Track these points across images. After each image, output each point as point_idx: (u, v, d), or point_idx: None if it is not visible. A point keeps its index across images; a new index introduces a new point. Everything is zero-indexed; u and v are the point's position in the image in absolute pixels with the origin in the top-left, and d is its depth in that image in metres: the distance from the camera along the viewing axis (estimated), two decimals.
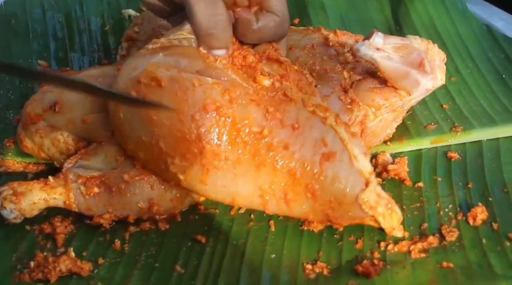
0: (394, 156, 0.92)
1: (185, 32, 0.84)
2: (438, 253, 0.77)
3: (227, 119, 0.77)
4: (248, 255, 0.79)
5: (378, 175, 0.89)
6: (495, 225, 0.80)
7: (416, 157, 0.93)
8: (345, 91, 0.88)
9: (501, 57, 1.09)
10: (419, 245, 0.78)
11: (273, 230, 0.82)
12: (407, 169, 0.89)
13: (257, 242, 0.81)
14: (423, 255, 0.77)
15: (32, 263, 0.75)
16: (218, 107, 0.76)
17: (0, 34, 1.15)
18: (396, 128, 0.96)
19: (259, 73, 0.82)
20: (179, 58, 0.80)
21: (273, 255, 0.79)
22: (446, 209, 0.83)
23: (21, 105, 0.94)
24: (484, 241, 0.78)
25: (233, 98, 0.77)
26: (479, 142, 0.94)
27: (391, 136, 0.95)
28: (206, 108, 0.76)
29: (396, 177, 0.89)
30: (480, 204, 0.82)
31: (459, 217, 0.82)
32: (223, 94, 0.77)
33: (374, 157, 0.92)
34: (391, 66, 0.86)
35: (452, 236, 0.79)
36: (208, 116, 0.76)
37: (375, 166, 0.91)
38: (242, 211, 0.85)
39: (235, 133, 0.77)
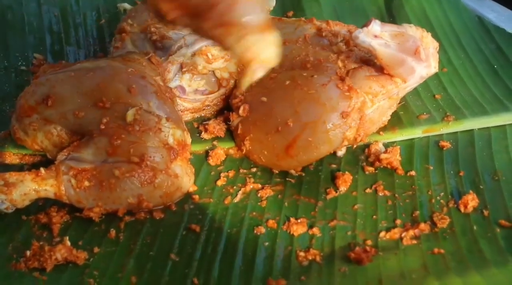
0: (386, 145, 0.93)
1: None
2: (430, 240, 0.78)
3: None
4: (242, 243, 0.80)
5: (371, 164, 0.90)
6: (485, 212, 0.81)
7: (408, 146, 0.94)
8: (342, 79, 0.89)
9: (492, 48, 1.10)
10: (411, 232, 0.79)
11: (267, 217, 0.83)
12: (399, 158, 0.90)
13: (251, 231, 0.81)
14: (414, 241, 0.78)
15: (28, 252, 0.76)
16: None
17: None
18: (389, 118, 0.97)
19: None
20: None
21: (267, 243, 0.80)
22: (438, 197, 0.84)
23: (17, 97, 0.94)
24: (475, 227, 0.79)
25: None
26: (470, 131, 0.95)
27: (386, 123, 0.96)
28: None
29: (389, 166, 0.89)
30: (471, 191, 0.83)
31: (451, 205, 0.83)
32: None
33: (367, 146, 0.93)
34: (389, 53, 0.87)
35: (443, 223, 0.80)
36: None
37: (368, 156, 0.92)
38: (236, 200, 0.86)
39: None
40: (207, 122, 0.97)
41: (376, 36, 0.87)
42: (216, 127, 0.95)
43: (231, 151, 0.94)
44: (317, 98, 0.88)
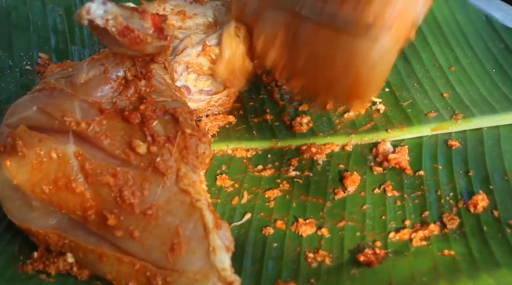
0: (394, 144, 0.93)
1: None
2: (439, 241, 0.78)
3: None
4: (251, 244, 0.80)
5: (379, 164, 0.90)
6: (495, 213, 0.80)
7: (417, 145, 0.93)
8: None
9: (500, 47, 1.09)
10: (420, 233, 0.78)
11: (275, 218, 0.83)
12: (408, 158, 0.90)
13: (259, 231, 0.81)
14: (424, 243, 0.77)
15: (35, 254, 0.75)
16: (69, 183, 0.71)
17: (0, 28, 1.15)
18: (396, 116, 0.98)
19: (137, 138, 0.73)
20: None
21: (275, 244, 0.79)
22: (447, 197, 0.84)
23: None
24: (485, 228, 0.78)
25: (90, 174, 0.71)
26: (479, 130, 0.94)
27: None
28: (57, 182, 0.71)
29: (397, 166, 0.89)
30: (480, 191, 0.83)
31: (460, 205, 0.82)
32: (81, 169, 0.71)
33: (375, 146, 0.92)
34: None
35: (453, 224, 0.79)
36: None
37: (375, 156, 0.91)
38: (244, 201, 0.86)
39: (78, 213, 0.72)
40: (200, 118, 0.97)
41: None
42: (208, 124, 0.96)
43: (229, 152, 0.95)
44: None
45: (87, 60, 0.80)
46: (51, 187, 0.71)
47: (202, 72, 0.94)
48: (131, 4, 1.21)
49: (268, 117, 0.99)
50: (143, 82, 0.77)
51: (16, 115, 0.76)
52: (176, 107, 0.76)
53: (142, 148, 0.71)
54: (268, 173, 0.90)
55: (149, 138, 0.72)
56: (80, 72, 0.78)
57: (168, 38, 0.74)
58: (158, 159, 0.71)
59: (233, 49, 0.92)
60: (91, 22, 0.70)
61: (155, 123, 0.74)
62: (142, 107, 0.74)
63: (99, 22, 0.70)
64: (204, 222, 0.69)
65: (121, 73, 0.78)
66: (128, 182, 0.70)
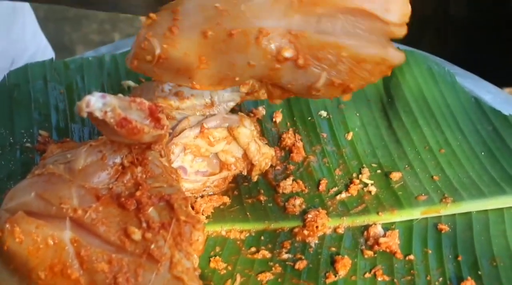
0: (385, 227, 0.94)
1: None
2: None
3: None
4: None
5: (370, 248, 0.91)
6: None
7: (407, 228, 0.94)
8: None
9: (489, 130, 1.10)
10: None
11: None
12: (398, 242, 0.91)
13: None
14: None
15: None
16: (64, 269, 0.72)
17: (3, 105, 1.17)
18: (388, 198, 0.99)
19: (132, 225, 0.74)
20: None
21: None
22: (437, 282, 0.85)
23: (22, 175, 0.95)
24: None
25: (85, 260, 0.72)
26: (468, 214, 0.96)
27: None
28: (53, 268, 0.72)
29: (388, 250, 0.90)
30: (469, 277, 0.84)
31: None
32: (77, 255, 0.72)
33: (366, 229, 0.94)
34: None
35: None
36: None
37: (367, 239, 0.92)
38: (236, 284, 0.87)
39: None
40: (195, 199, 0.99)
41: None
42: (203, 205, 0.98)
43: (223, 233, 0.96)
44: None
45: (85, 146, 0.82)
46: (47, 273, 0.72)
47: (199, 154, 0.96)
48: (131, 83, 1.25)
49: (262, 198, 1.01)
50: (139, 168, 0.80)
51: (15, 200, 0.78)
52: (171, 193, 0.78)
53: (137, 235, 0.73)
54: (260, 255, 0.91)
55: (144, 225, 0.74)
56: (79, 158, 0.80)
57: (165, 127, 0.76)
58: (152, 246, 0.72)
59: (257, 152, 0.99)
60: (90, 114, 0.73)
61: (150, 209, 0.76)
62: (138, 193, 0.76)
63: (98, 114, 0.73)
64: None
65: (118, 160, 0.80)
66: (122, 269, 0.71)
